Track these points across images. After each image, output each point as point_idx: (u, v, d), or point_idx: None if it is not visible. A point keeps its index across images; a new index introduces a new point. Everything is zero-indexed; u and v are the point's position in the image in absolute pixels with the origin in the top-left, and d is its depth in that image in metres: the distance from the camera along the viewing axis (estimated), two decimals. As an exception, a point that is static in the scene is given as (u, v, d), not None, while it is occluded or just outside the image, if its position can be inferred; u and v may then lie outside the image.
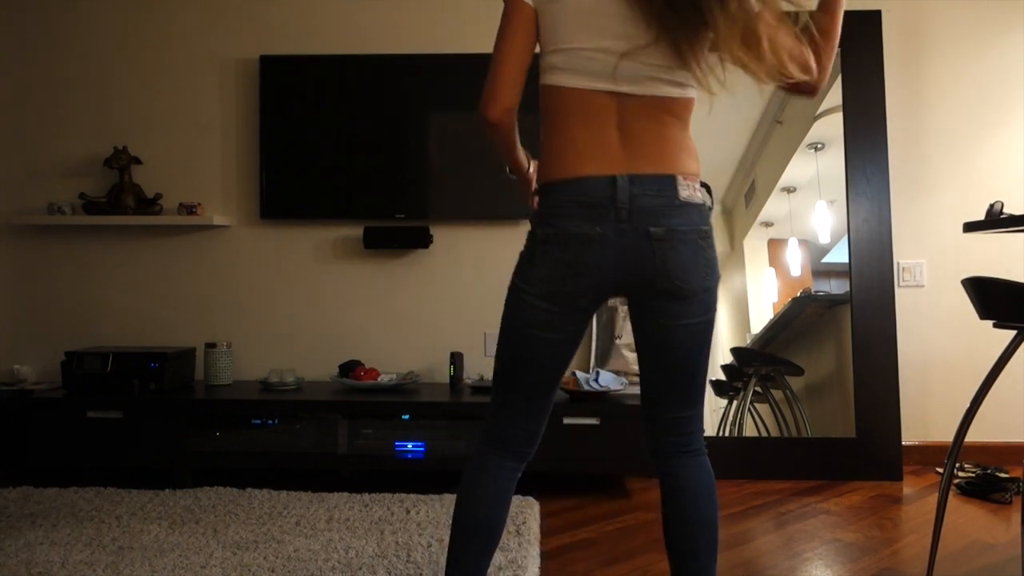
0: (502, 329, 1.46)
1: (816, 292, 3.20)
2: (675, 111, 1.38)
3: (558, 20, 1.35)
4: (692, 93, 1.40)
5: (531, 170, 1.60)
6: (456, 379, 3.12)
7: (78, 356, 3.03)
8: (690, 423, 1.45)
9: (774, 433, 3.15)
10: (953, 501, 2.76)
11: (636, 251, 1.35)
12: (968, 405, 1.92)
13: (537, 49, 1.42)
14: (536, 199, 1.45)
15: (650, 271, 1.36)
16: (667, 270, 1.35)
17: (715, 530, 1.43)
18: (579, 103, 1.37)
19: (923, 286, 3.28)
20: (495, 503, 1.46)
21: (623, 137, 1.36)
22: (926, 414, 3.27)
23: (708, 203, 1.41)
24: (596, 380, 2.97)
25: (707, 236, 1.38)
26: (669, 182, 1.35)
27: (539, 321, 1.40)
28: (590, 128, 1.36)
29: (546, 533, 2.46)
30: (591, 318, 1.46)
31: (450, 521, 1.55)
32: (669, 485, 1.45)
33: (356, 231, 3.34)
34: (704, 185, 1.42)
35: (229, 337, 3.37)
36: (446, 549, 1.66)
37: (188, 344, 3.35)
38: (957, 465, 3.01)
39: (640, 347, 1.46)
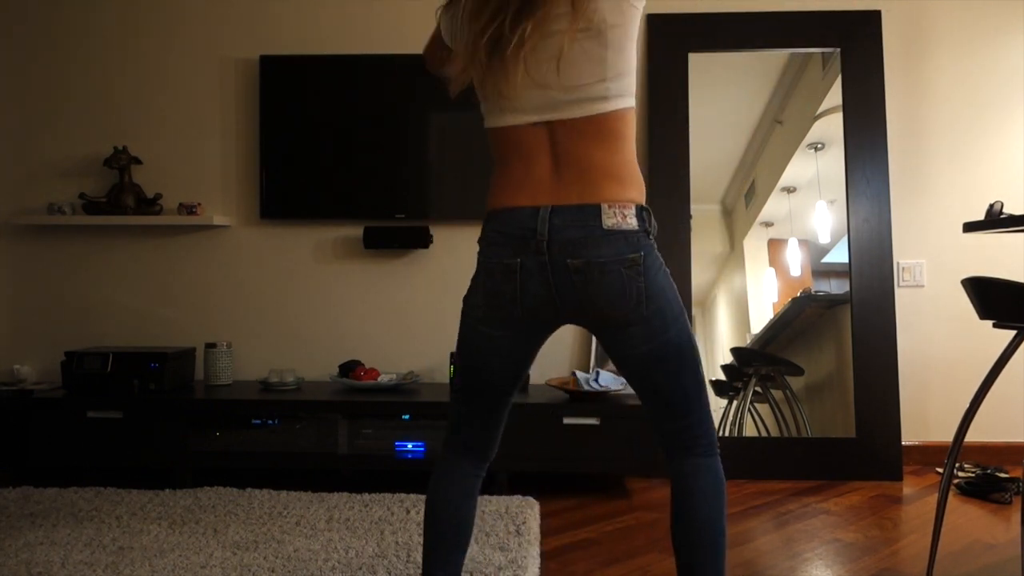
0: (457, 345, 1.52)
1: (816, 292, 3.20)
2: (608, 128, 1.37)
3: (471, 71, 1.40)
4: (623, 103, 1.38)
5: None
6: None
7: (78, 356, 3.03)
8: (688, 429, 1.44)
9: (774, 433, 3.15)
10: (953, 501, 2.76)
11: (559, 283, 1.37)
12: (968, 405, 1.92)
13: None
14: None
15: (575, 302, 1.38)
16: (591, 300, 1.37)
17: (719, 532, 1.42)
18: (515, 138, 1.40)
19: (923, 286, 3.28)
20: (462, 503, 1.51)
21: (555, 168, 1.38)
22: (926, 414, 3.27)
23: (644, 227, 1.38)
24: (596, 380, 2.97)
25: (635, 264, 1.35)
26: (592, 212, 1.35)
27: (482, 344, 1.47)
28: (524, 161, 1.40)
29: (546, 533, 2.46)
30: (541, 341, 1.49)
31: None
32: (675, 486, 1.46)
33: (356, 231, 3.34)
34: (644, 209, 1.39)
35: (229, 337, 3.37)
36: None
37: (188, 344, 3.35)
38: (957, 465, 3.01)
39: (619, 372, 1.50)
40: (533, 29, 1.32)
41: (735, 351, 3.20)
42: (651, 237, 1.40)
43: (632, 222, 1.36)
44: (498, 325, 1.44)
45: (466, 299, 1.49)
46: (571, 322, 1.45)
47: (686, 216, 3.16)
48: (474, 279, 1.47)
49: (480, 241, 1.46)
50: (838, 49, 3.20)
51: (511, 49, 1.33)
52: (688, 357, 1.42)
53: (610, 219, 1.35)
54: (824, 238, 3.20)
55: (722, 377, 3.19)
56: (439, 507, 1.50)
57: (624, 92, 1.38)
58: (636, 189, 1.40)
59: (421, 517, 2.51)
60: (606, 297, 1.36)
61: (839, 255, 3.17)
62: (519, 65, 1.34)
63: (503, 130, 1.42)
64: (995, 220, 1.93)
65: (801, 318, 3.19)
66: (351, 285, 3.38)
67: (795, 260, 3.22)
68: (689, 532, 1.42)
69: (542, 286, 1.38)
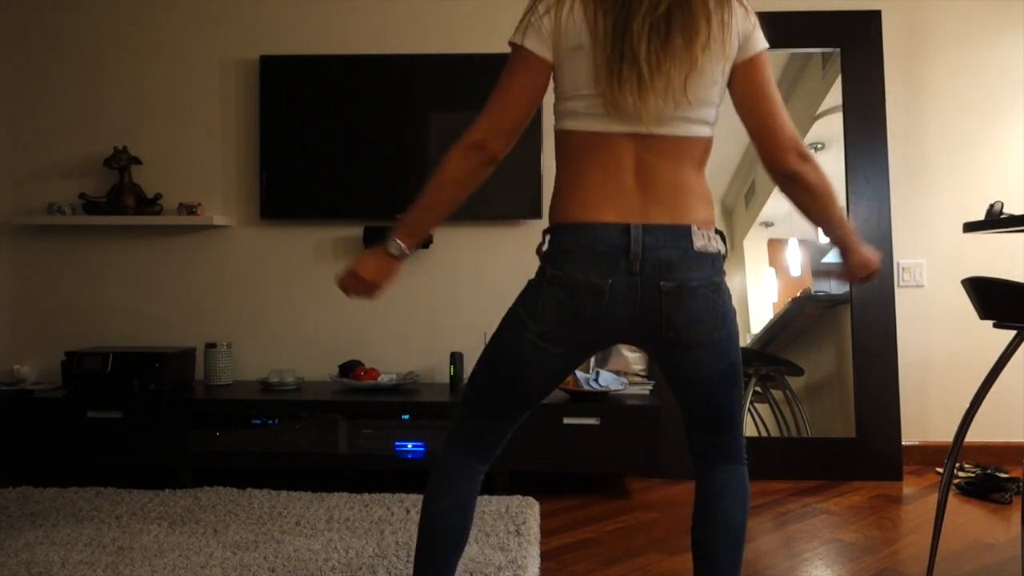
0: (494, 348, 1.44)
1: (816, 292, 3.20)
2: (694, 154, 1.36)
3: (584, 67, 1.32)
4: (710, 132, 1.38)
5: (407, 256, 1.48)
6: (456, 379, 3.12)
7: (78, 356, 3.03)
8: (729, 443, 1.46)
9: (774, 433, 3.15)
10: (953, 501, 2.76)
11: (644, 304, 1.33)
12: (968, 405, 1.92)
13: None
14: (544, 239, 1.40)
15: (655, 323, 1.34)
16: (673, 323, 1.33)
17: (740, 536, 1.43)
18: (598, 146, 1.34)
19: (923, 286, 3.28)
20: (463, 504, 1.46)
21: (639, 183, 1.34)
22: (926, 414, 3.27)
23: (722, 251, 1.38)
24: (596, 380, 2.97)
25: (718, 288, 1.36)
26: (684, 233, 1.32)
27: (535, 357, 1.38)
28: (606, 172, 1.34)
29: (546, 533, 2.46)
30: (590, 357, 1.47)
31: None
32: (700, 488, 1.46)
33: (356, 231, 3.34)
34: (719, 232, 1.39)
35: (229, 337, 3.36)
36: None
37: (188, 344, 3.35)
38: (957, 465, 3.01)
39: (670, 388, 1.47)
40: (688, 40, 1.28)
41: (735, 351, 3.20)
42: (724, 260, 1.40)
43: (715, 245, 1.36)
44: (561, 343, 1.37)
45: (524, 309, 1.39)
46: (636, 342, 1.41)
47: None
48: (540, 291, 1.37)
49: (551, 253, 1.36)
50: (838, 49, 3.20)
51: (667, 61, 1.28)
52: (740, 377, 1.44)
53: (699, 241, 1.33)
54: (824, 238, 3.20)
55: (722, 377, 3.19)
56: (438, 512, 1.45)
57: (714, 121, 1.38)
58: (713, 211, 1.40)
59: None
60: (689, 320, 1.33)
61: (839, 255, 3.17)
62: (665, 80, 1.28)
63: (588, 135, 1.34)
64: (995, 220, 1.93)
65: (801, 318, 3.19)
66: (351, 285, 3.38)
67: (795, 260, 3.22)
68: (713, 533, 1.42)
69: (628, 307, 1.33)
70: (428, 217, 1.45)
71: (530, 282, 1.41)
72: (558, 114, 1.39)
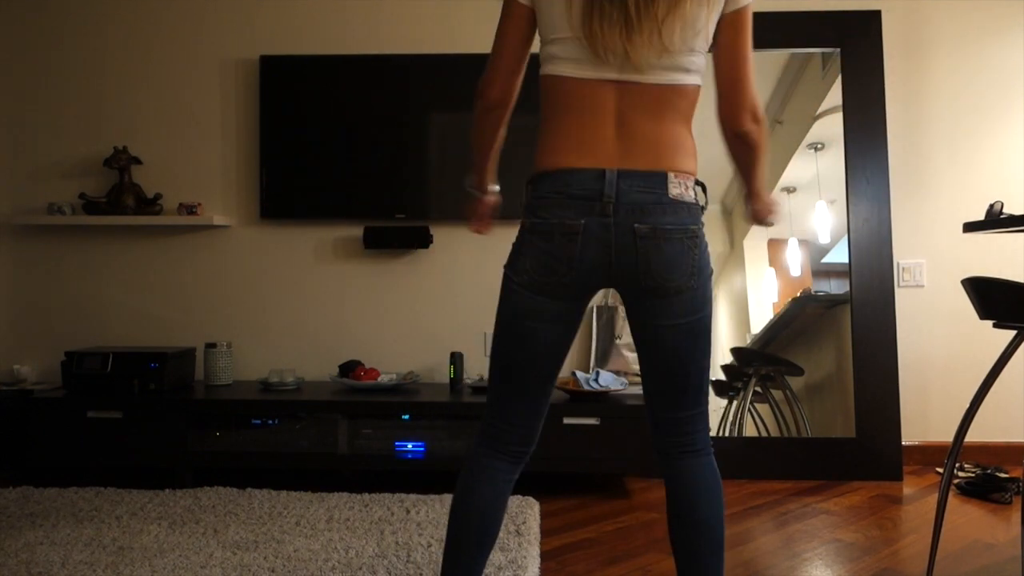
0: (496, 320, 1.46)
1: (816, 292, 3.20)
2: (677, 103, 1.37)
3: (561, 8, 1.34)
4: (698, 80, 1.39)
5: (491, 197, 1.63)
6: (456, 379, 3.12)
7: (78, 356, 3.03)
8: (691, 423, 1.44)
9: (774, 433, 3.15)
10: (953, 501, 2.76)
11: (620, 246, 1.35)
12: (968, 405, 1.92)
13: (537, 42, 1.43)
14: (526, 190, 1.45)
15: (632, 267, 1.36)
16: (650, 267, 1.35)
17: (719, 531, 1.42)
18: (578, 93, 1.36)
19: (923, 286, 3.28)
20: (492, 506, 1.45)
21: (619, 130, 1.36)
22: (926, 414, 3.27)
23: (702, 202, 1.41)
24: (596, 380, 2.97)
25: (695, 236, 1.37)
26: (660, 179, 1.35)
27: (528, 310, 1.40)
28: (585, 119, 1.36)
29: (546, 533, 2.46)
30: (583, 309, 1.45)
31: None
32: (672, 485, 1.44)
33: (356, 231, 3.34)
34: (699, 183, 1.41)
35: (229, 337, 3.37)
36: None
37: (188, 344, 3.35)
38: (957, 465, 3.01)
39: (637, 347, 1.46)
40: None
41: (735, 351, 3.20)
42: (704, 211, 1.42)
43: (692, 194, 1.38)
44: (546, 289, 1.38)
45: (510, 265, 1.43)
46: (614, 286, 1.41)
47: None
48: (521, 242, 1.41)
49: (531, 201, 1.40)
50: (838, 49, 3.20)
51: (655, 6, 1.29)
52: (709, 342, 1.43)
53: (675, 188, 1.35)
54: (824, 238, 3.20)
55: (722, 377, 3.19)
56: (469, 512, 1.43)
57: (701, 69, 1.39)
58: (695, 162, 1.41)
59: (421, 517, 2.51)
60: (666, 264, 1.35)
61: (839, 255, 3.17)
62: (654, 24, 1.30)
63: (571, 81, 1.36)
64: (995, 220, 1.93)
65: (801, 318, 3.19)
66: (351, 285, 3.39)
67: (795, 260, 3.22)
68: (693, 531, 1.41)
69: (602, 249, 1.35)
70: (480, 154, 1.59)
71: (513, 242, 1.44)
72: (542, 59, 1.42)
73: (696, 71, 1.38)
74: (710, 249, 1.45)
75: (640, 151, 1.35)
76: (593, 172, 1.34)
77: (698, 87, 1.40)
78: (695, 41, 1.35)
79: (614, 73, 1.34)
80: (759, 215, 1.57)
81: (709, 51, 1.41)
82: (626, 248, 1.35)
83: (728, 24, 1.39)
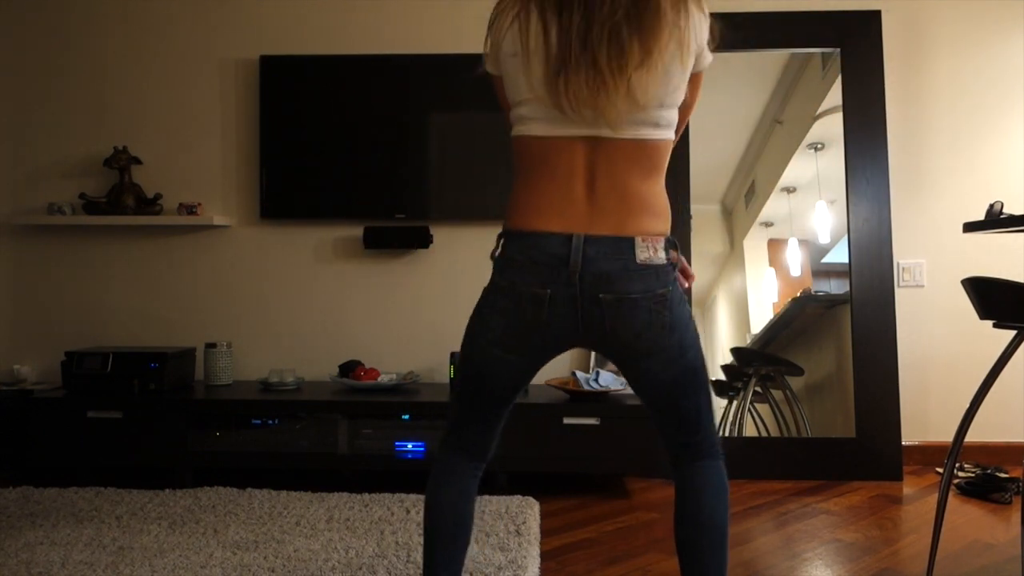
0: (460, 354, 1.49)
1: (816, 292, 3.20)
2: (650, 158, 1.36)
3: (520, 72, 1.34)
4: (670, 134, 1.38)
5: None
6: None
7: (78, 356, 3.03)
8: (699, 443, 1.46)
9: (774, 433, 3.15)
10: (953, 501, 2.76)
11: (586, 314, 1.35)
12: (968, 405, 1.92)
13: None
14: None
15: (601, 333, 1.36)
16: (617, 334, 1.36)
17: (723, 533, 1.42)
18: (548, 150, 1.36)
19: (923, 286, 3.28)
20: (461, 502, 1.50)
21: (589, 190, 1.35)
22: (926, 414, 3.27)
23: (670, 261, 1.37)
24: (596, 380, 2.97)
25: (663, 299, 1.35)
26: (627, 245, 1.33)
27: (492, 363, 1.43)
28: (556, 178, 1.35)
29: (546, 533, 2.46)
30: (554, 357, 1.46)
31: None
32: (680, 487, 1.46)
33: (356, 231, 3.34)
34: (671, 242, 1.39)
35: (229, 337, 3.36)
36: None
37: (188, 344, 3.35)
38: (957, 465, 3.01)
39: (630, 386, 1.49)
40: (649, 41, 1.28)
41: (735, 351, 3.20)
42: (676, 269, 1.40)
43: (662, 255, 1.36)
44: (513, 348, 1.40)
45: (478, 315, 1.44)
46: (590, 347, 1.43)
47: (686, 216, 3.16)
48: (489, 298, 1.42)
49: (499, 260, 1.40)
50: (838, 49, 3.20)
51: (625, 62, 1.27)
52: (702, 378, 1.44)
53: (643, 253, 1.34)
54: (824, 238, 3.20)
55: (722, 377, 3.19)
56: (438, 508, 1.49)
57: (673, 123, 1.38)
58: (666, 221, 1.39)
59: (421, 517, 2.50)
60: (633, 331, 1.35)
61: (839, 255, 3.17)
62: (623, 78, 1.27)
63: (540, 140, 1.35)
64: (995, 220, 1.93)
65: (801, 318, 3.19)
66: (351, 285, 3.38)
67: (795, 260, 3.22)
68: (698, 531, 1.42)
69: (569, 316, 1.35)
70: None
71: (485, 289, 1.45)
72: (512, 121, 1.42)
73: (667, 126, 1.37)
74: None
75: (609, 214, 1.34)
76: (560, 237, 1.33)
77: (670, 141, 1.39)
78: (668, 96, 1.34)
79: (585, 129, 1.33)
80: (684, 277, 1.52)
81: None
82: (592, 316, 1.35)
83: (692, 82, 1.40)
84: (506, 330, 1.39)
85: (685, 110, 1.43)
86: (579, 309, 1.34)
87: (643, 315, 1.34)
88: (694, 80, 1.42)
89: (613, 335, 1.36)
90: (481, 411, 1.49)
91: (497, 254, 1.41)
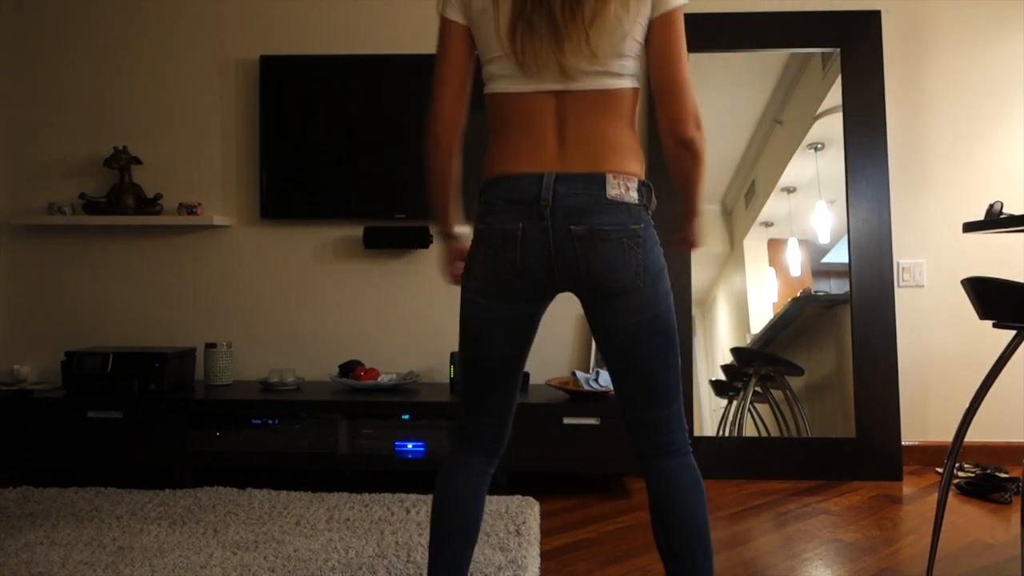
0: (460, 325, 1.50)
1: (816, 292, 3.20)
2: (617, 106, 1.39)
3: (490, 29, 1.38)
4: (631, 83, 1.41)
5: (456, 236, 1.59)
6: (456, 379, 3.12)
7: (78, 356, 3.04)
8: (665, 424, 1.44)
9: (774, 433, 3.15)
10: (953, 501, 2.76)
11: (559, 249, 1.37)
12: (968, 405, 1.92)
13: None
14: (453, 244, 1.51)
15: (575, 269, 1.38)
16: (590, 268, 1.37)
17: (703, 530, 1.41)
18: (518, 106, 1.40)
19: (923, 286, 3.28)
20: (471, 501, 1.48)
21: (559, 136, 1.39)
22: (926, 414, 3.27)
23: (643, 202, 1.40)
24: (596, 380, 2.97)
25: (636, 235, 1.37)
26: (597, 180, 1.36)
27: (480, 316, 1.44)
28: (528, 129, 1.40)
29: (546, 533, 2.46)
30: (538, 314, 1.47)
31: None
32: (653, 487, 1.44)
33: (356, 231, 3.34)
34: (645, 184, 1.42)
35: (229, 337, 3.37)
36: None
37: (188, 344, 3.35)
38: (957, 465, 3.01)
39: (600, 352, 1.48)
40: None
41: (735, 351, 3.20)
42: (650, 212, 1.42)
43: (634, 195, 1.38)
44: (496, 295, 1.42)
45: (464, 271, 1.47)
46: (566, 289, 1.43)
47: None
48: (472, 249, 1.46)
49: (478, 210, 1.44)
50: (838, 49, 3.20)
51: (580, 14, 1.32)
52: (673, 340, 1.43)
53: (614, 189, 1.36)
54: (824, 238, 3.20)
55: (722, 377, 3.19)
56: (448, 505, 1.47)
57: (635, 73, 1.41)
58: (639, 164, 1.42)
59: (421, 517, 2.51)
60: (606, 264, 1.36)
61: (839, 255, 3.18)
62: (581, 32, 1.33)
63: (511, 96, 1.40)
64: (995, 220, 1.93)
65: (801, 318, 3.19)
66: (351, 285, 3.39)
67: (795, 260, 3.22)
68: (675, 533, 1.41)
69: (542, 252, 1.37)
70: (439, 196, 1.56)
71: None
72: (484, 79, 1.45)
73: (629, 75, 1.40)
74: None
75: (579, 154, 1.38)
76: (532, 176, 1.37)
77: (635, 89, 1.42)
78: (622, 46, 1.37)
79: (550, 84, 1.37)
80: (689, 239, 1.57)
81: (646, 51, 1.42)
82: (565, 250, 1.37)
83: (658, 29, 1.39)
84: (486, 275, 1.42)
85: (666, 62, 1.39)
86: (552, 245, 1.37)
87: (615, 249, 1.36)
88: (664, 23, 1.38)
89: (588, 271, 1.37)
90: (485, 384, 1.48)
91: (477, 204, 1.45)
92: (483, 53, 1.42)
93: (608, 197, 1.36)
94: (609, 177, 1.37)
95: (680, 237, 1.58)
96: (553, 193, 1.35)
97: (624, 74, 1.39)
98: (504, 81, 1.40)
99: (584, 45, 1.33)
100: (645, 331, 1.40)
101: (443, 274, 1.66)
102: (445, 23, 1.45)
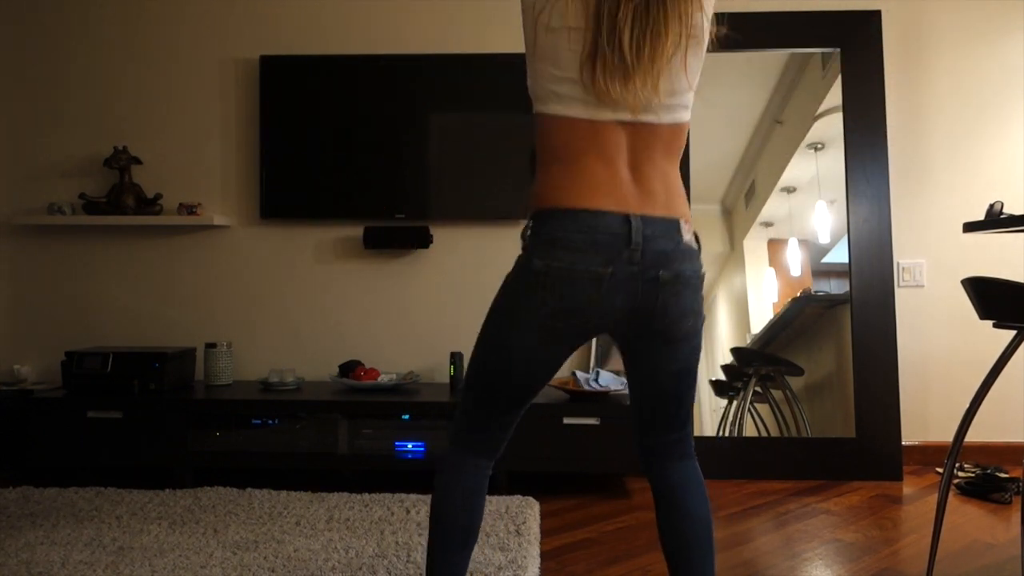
0: (486, 344, 1.42)
1: (816, 292, 3.20)
2: (679, 142, 1.39)
3: (566, 46, 1.30)
4: (689, 116, 1.40)
5: None
6: (456, 379, 3.12)
7: (78, 356, 3.03)
8: (683, 440, 1.47)
9: (774, 433, 3.15)
10: (953, 501, 2.76)
11: (644, 294, 1.33)
12: (968, 405, 1.92)
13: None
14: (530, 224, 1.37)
15: (650, 313, 1.35)
16: (667, 313, 1.35)
17: (709, 531, 1.43)
18: (590, 132, 1.32)
19: (923, 286, 3.28)
20: (471, 502, 1.46)
21: (635, 174, 1.34)
22: (926, 414, 3.27)
23: (699, 247, 1.42)
24: (596, 380, 2.97)
25: (703, 281, 1.41)
26: (675, 226, 1.35)
27: (530, 348, 1.37)
28: (603, 161, 1.32)
29: (546, 533, 2.46)
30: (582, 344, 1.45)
31: None
32: (660, 490, 1.46)
33: (356, 231, 3.34)
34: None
35: (229, 337, 3.37)
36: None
37: (188, 344, 3.35)
38: (957, 465, 3.01)
39: (630, 379, 1.47)
40: (684, 30, 1.29)
41: (735, 351, 3.20)
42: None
43: (694, 241, 1.40)
44: (557, 334, 1.35)
45: (511, 301, 1.38)
46: (625, 331, 1.39)
47: (686, 216, 3.15)
48: (525, 282, 1.34)
49: (546, 241, 1.32)
50: (838, 49, 3.20)
51: (662, 46, 1.28)
52: (696, 375, 1.47)
53: (686, 235, 1.36)
54: (824, 238, 3.20)
55: (722, 377, 3.19)
56: (448, 506, 1.45)
57: (691, 105, 1.40)
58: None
59: (421, 517, 2.51)
60: (681, 310, 1.35)
61: (839, 255, 3.17)
62: (664, 64, 1.29)
63: (581, 122, 1.32)
64: (995, 220, 1.92)
65: (801, 318, 3.19)
66: (351, 285, 3.39)
67: (795, 260, 3.22)
68: (695, 533, 1.42)
69: (627, 296, 1.32)
70: None
71: (512, 277, 1.39)
72: (538, 95, 1.35)
73: (690, 107, 1.40)
74: (708, 249, 1.46)
75: (655, 196, 1.34)
76: (617, 217, 1.30)
77: (689, 123, 1.42)
78: (687, 81, 1.35)
79: (626, 115, 1.32)
80: None
81: None
82: (648, 295, 1.33)
83: None
84: (555, 314, 1.33)
85: None
86: (638, 289, 1.33)
87: (692, 294, 1.37)
88: None
89: (661, 315, 1.34)
90: (503, 409, 1.44)
91: (530, 234, 1.36)
92: (548, 66, 1.32)
93: (684, 242, 1.35)
94: (682, 222, 1.36)
95: None
96: (643, 236, 1.31)
97: (687, 106, 1.38)
98: (574, 105, 1.31)
99: (650, 80, 1.29)
100: (685, 372, 1.42)
101: None
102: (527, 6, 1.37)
